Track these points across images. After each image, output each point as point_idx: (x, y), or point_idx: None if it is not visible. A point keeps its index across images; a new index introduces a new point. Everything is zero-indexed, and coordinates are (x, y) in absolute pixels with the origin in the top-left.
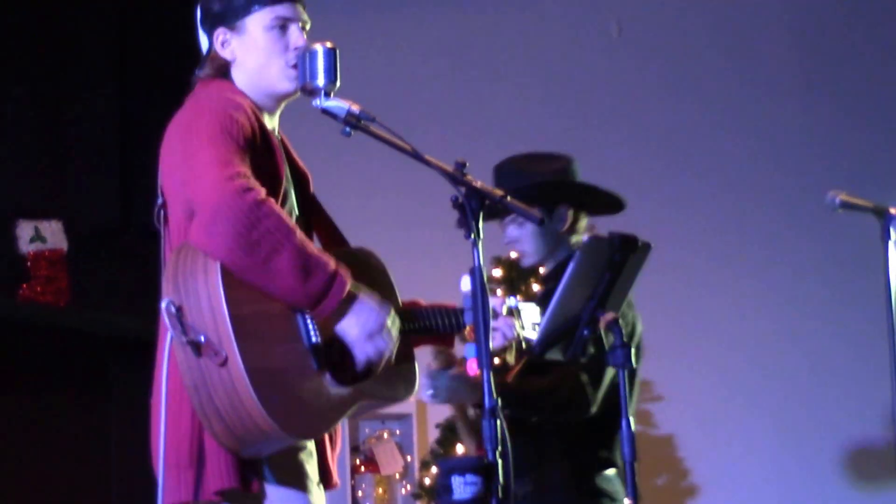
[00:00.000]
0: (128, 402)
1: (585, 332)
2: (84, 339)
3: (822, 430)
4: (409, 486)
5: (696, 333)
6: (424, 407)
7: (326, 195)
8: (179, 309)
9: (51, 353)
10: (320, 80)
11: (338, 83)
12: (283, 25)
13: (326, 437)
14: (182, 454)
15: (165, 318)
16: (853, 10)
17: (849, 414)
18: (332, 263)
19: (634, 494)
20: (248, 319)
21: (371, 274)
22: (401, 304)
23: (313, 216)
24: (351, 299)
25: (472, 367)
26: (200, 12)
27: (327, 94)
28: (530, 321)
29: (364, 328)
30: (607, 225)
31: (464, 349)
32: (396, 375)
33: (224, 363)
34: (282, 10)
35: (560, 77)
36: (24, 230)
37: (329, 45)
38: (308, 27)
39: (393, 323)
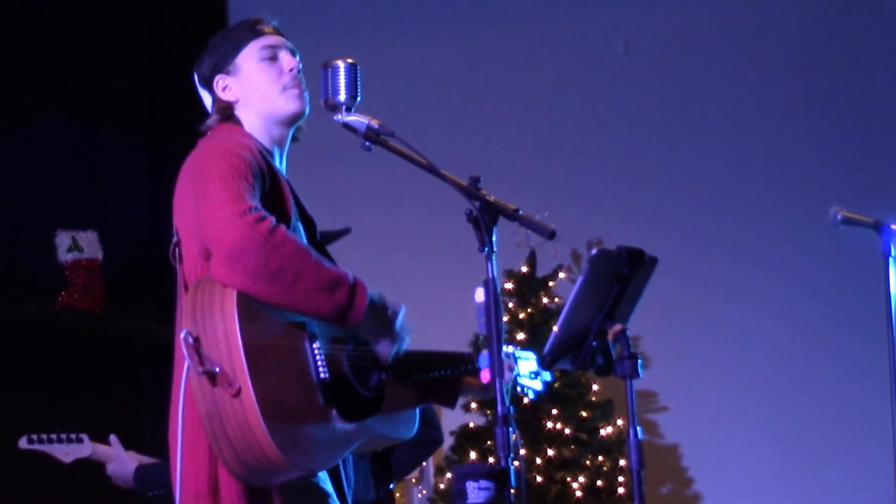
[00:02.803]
0: (160, 406)
1: (594, 343)
2: (118, 345)
3: (825, 440)
4: (424, 491)
5: (701, 345)
6: (439, 415)
7: (339, 211)
8: (197, 340)
9: (87, 358)
10: (342, 96)
11: (358, 98)
12: (272, 55)
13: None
14: (201, 485)
15: (184, 349)
16: (856, 26)
17: (852, 425)
18: (349, 275)
19: (641, 501)
20: (262, 353)
21: None
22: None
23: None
24: (371, 307)
25: (486, 376)
26: (197, 77)
27: (348, 109)
28: (527, 369)
29: (387, 328)
30: (615, 239)
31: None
32: (398, 418)
33: (237, 394)
34: (266, 40)
35: (568, 93)
36: (63, 240)
37: (350, 61)
38: (297, 54)
39: (405, 318)
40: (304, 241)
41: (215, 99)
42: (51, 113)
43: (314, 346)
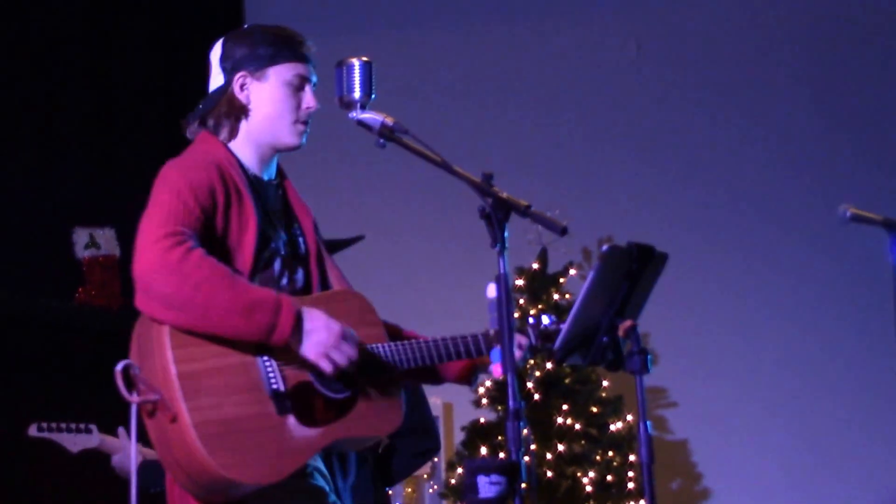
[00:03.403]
0: None
1: (604, 339)
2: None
3: (834, 435)
4: (436, 486)
5: (711, 341)
6: (451, 410)
7: (353, 208)
8: (139, 370)
9: (103, 354)
10: (356, 93)
11: (373, 96)
12: (300, 84)
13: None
14: (174, 499)
15: (117, 380)
16: (870, 23)
17: (862, 421)
18: (272, 294)
19: (651, 496)
20: (200, 375)
21: (358, 316)
22: (395, 341)
23: (317, 251)
24: (301, 323)
25: (497, 371)
26: (222, 51)
27: (363, 107)
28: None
29: (318, 347)
30: (625, 236)
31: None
32: (378, 413)
33: (174, 419)
34: (303, 69)
35: (581, 91)
36: (80, 237)
37: (364, 59)
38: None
39: (349, 333)
40: (282, 247)
41: (228, 92)
42: (68, 112)
43: (264, 359)
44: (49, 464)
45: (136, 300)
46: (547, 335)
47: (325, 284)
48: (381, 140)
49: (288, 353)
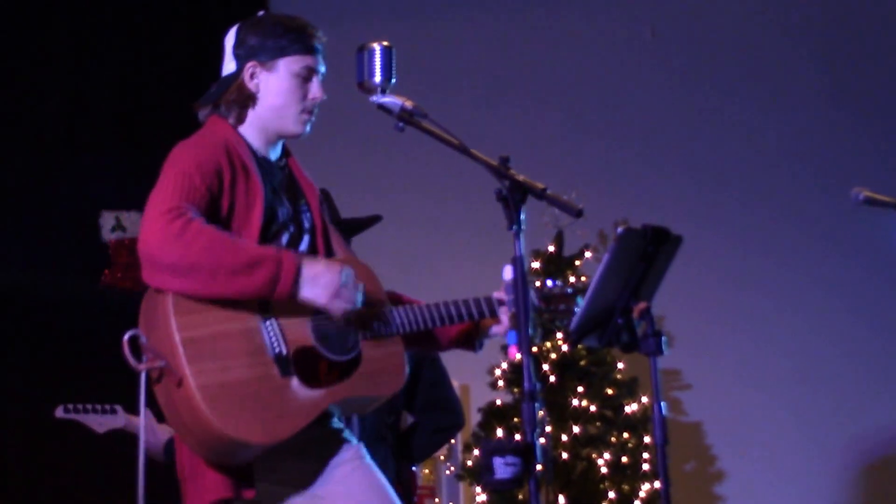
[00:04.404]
0: None
1: (619, 321)
2: None
3: (847, 417)
4: (452, 468)
5: (724, 324)
6: (467, 392)
7: (371, 191)
8: (147, 339)
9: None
10: (377, 77)
11: (393, 80)
12: (308, 76)
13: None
14: (183, 467)
15: (125, 349)
16: (880, 14)
17: (873, 403)
18: (273, 249)
19: (665, 478)
20: (202, 341)
21: (361, 281)
22: (398, 305)
23: (322, 227)
24: (303, 273)
25: (513, 353)
26: (235, 38)
27: (383, 91)
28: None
29: (326, 290)
30: (640, 219)
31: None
32: (380, 373)
33: (180, 383)
34: (311, 60)
35: (596, 76)
36: (107, 220)
37: (385, 44)
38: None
39: (349, 276)
40: (289, 225)
41: (238, 80)
42: (96, 98)
43: (267, 324)
44: (76, 443)
45: (143, 274)
46: (550, 297)
47: (330, 257)
48: (401, 123)
49: (291, 315)
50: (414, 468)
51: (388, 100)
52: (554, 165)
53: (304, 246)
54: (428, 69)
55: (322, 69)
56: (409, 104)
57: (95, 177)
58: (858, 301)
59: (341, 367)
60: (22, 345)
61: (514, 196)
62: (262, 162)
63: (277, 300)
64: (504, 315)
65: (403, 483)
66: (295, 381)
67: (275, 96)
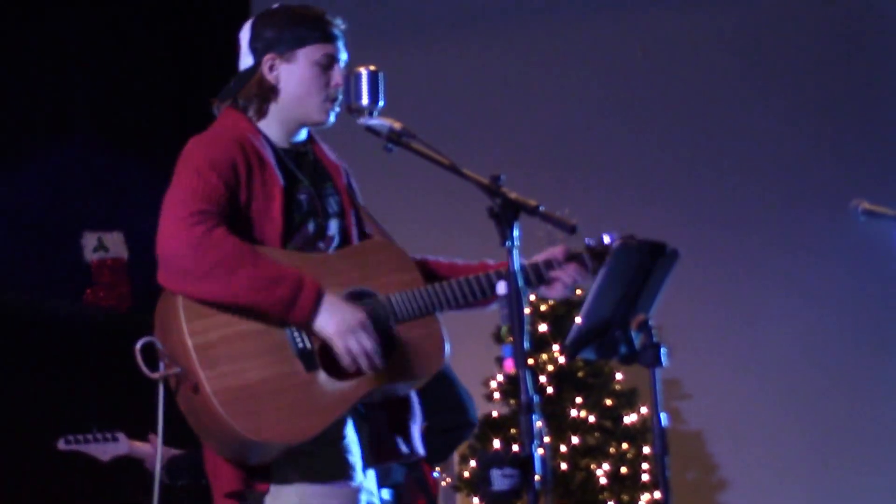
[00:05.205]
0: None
1: (617, 333)
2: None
3: (848, 427)
4: (449, 479)
5: (725, 332)
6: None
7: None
8: (163, 345)
9: (111, 354)
10: (364, 100)
11: (380, 103)
12: (329, 63)
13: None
14: (208, 468)
15: (137, 356)
16: (868, 26)
17: (875, 411)
18: (296, 273)
19: (665, 488)
20: (217, 344)
21: (392, 262)
22: (427, 285)
23: (351, 207)
24: (321, 301)
25: (509, 366)
26: (251, 32)
27: (370, 114)
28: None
29: (339, 324)
30: (637, 232)
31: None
32: (416, 355)
33: (196, 389)
34: (331, 48)
35: (589, 92)
36: (89, 240)
37: (372, 68)
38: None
39: (369, 323)
40: (316, 210)
41: (258, 73)
42: (78, 116)
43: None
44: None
45: (159, 276)
46: (596, 254)
47: (363, 239)
48: (390, 145)
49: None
50: (435, 474)
51: (375, 122)
52: (547, 178)
53: (333, 230)
54: (417, 87)
55: (343, 56)
56: (397, 125)
57: (77, 198)
58: (859, 311)
59: None
60: (4, 365)
61: (506, 213)
62: (281, 152)
63: (293, 323)
64: (561, 273)
65: (425, 488)
66: (322, 376)
67: (296, 86)
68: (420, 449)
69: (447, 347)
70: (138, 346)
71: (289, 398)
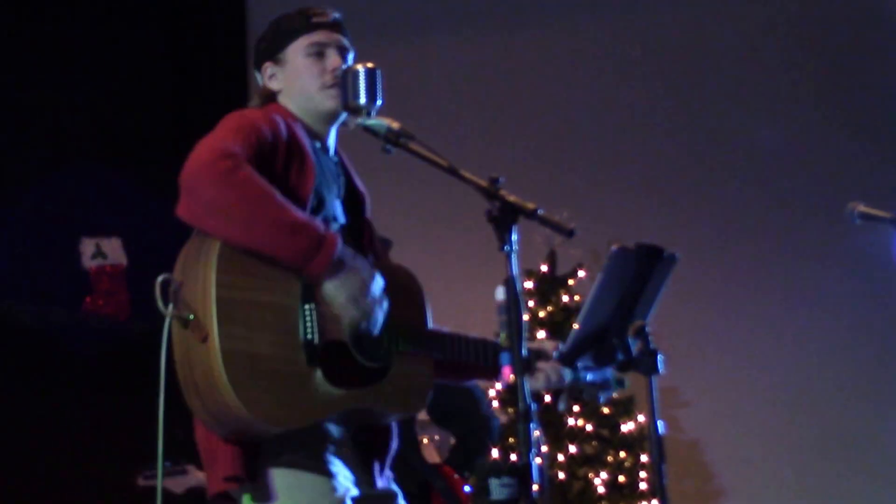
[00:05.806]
0: (186, 408)
1: (614, 340)
2: (142, 349)
3: (845, 435)
4: None
5: (722, 341)
6: None
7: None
8: (181, 285)
9: (110, 361)
10: (361, 99)
11: (378, 101)
12: (320, 52)
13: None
14: (203, 448)
15: (157, 290)
16: (870, 31)
17: (874, 420)
18: (321, 227)
19: (663, 496)
20: (238, 304)
21: (404, 294)
22: (432, 328)
23: (365, 234)
24: (340, 264)
25: (507, 374)
26: (254, 55)
27: (368, 113)
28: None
29: (349, 291)
30: (634, 238)
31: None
32: (407, 390)
33: (205, 339)
34: (317, 36)
35: (587, 94)
36: (87, 247)
37: (370, 65)
38: (349, 53)
39: (378, 289)
40: (339, 215)
41: (262, 85)
42: (75, 123)
43: (307, 306)
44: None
45: (179, 206)
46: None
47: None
48: (388, 145)
49: (330, 307)
50: (467, 487)
51: (373, 122)
52: (546, 182)
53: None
54: (415, 88)
55: (342, 40)
56: (395, 125)
57: (75, 204)
58: (857, 319)
59: (367, 373)
60: (1, 372)
61: (504, 217)
62: (318, 150)
63: (307, 276)
64: (547, 367)
65: (453, 499)
66: (318, 374)
67: (294, 80)
68: (390, 484)
69: (430, 394)
70: (158, 280)
71: (283, 384)
